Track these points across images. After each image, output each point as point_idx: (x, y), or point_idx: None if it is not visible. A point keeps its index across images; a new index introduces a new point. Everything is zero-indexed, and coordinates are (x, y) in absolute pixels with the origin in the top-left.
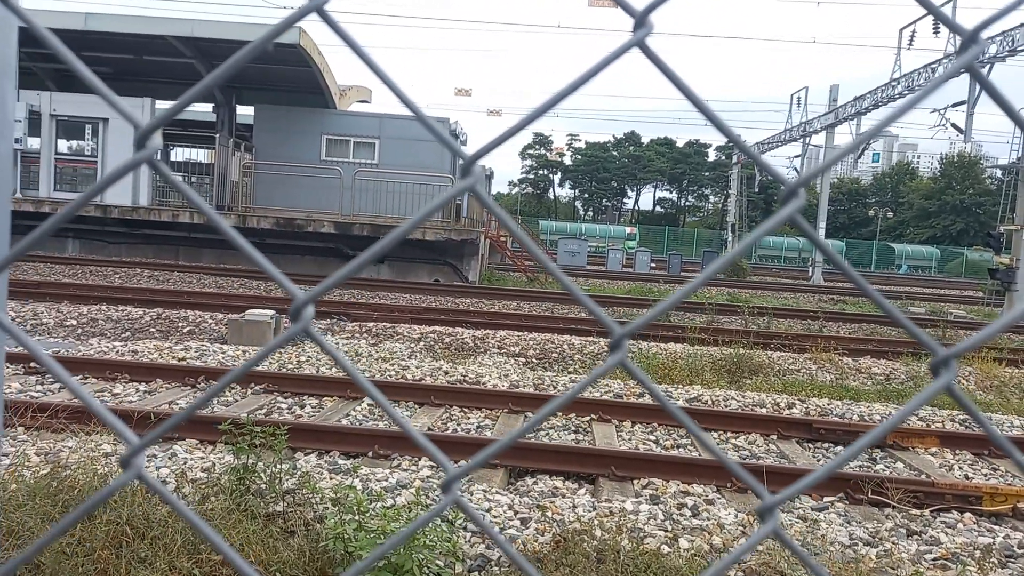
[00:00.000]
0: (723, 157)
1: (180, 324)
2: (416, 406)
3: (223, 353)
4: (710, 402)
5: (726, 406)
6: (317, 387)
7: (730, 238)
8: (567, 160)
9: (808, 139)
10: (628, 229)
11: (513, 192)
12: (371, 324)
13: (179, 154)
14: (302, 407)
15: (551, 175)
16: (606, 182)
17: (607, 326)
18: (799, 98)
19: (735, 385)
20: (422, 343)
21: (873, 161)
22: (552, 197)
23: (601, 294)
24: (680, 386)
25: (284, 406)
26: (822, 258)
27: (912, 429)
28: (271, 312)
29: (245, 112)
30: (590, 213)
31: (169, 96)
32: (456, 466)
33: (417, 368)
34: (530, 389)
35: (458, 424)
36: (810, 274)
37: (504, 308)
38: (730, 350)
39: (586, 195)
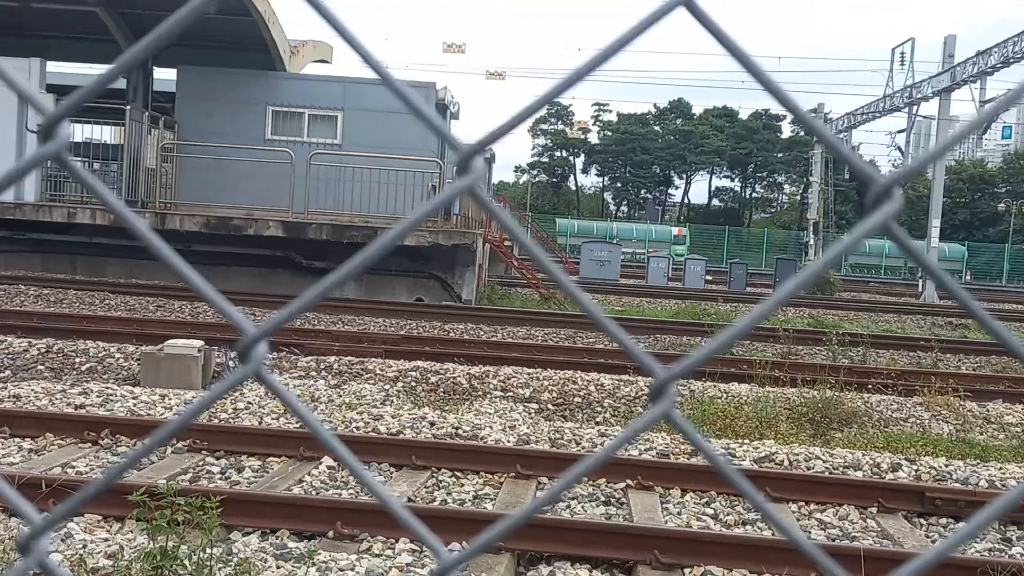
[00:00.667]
0: (802, 133)
1: (78, 360)
2: (392, 469)
3: (134, 398)
4: (786, 463)
5: (808, 468)
6: (260, 443)
7: (812, 241)
8: (593, 138)
9: (915, 108)
10: (675, 230)
11: (521, 181)
12: (332, 358)
13: (75, 132)
14: (240, 470)
15: (572, 158)
16: (645, 167)
17: (646, 367)
18: (903, 54)
19: (820, 440)
20: (400, 384)
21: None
22: (573, 187)
23: (639, 317)
24: (746, 441)
25: (216, 469)
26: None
27: None
28: (198, 343)
29: (165, 76)
30: (624, 208)
31: (64, 55)
32: (449, 551)
33: (393, 418)
34: (544, 445)
35: (448, 493)
36: (920, 289)
37: (510, 336)
38: (813, 393)
39: (618, 184)
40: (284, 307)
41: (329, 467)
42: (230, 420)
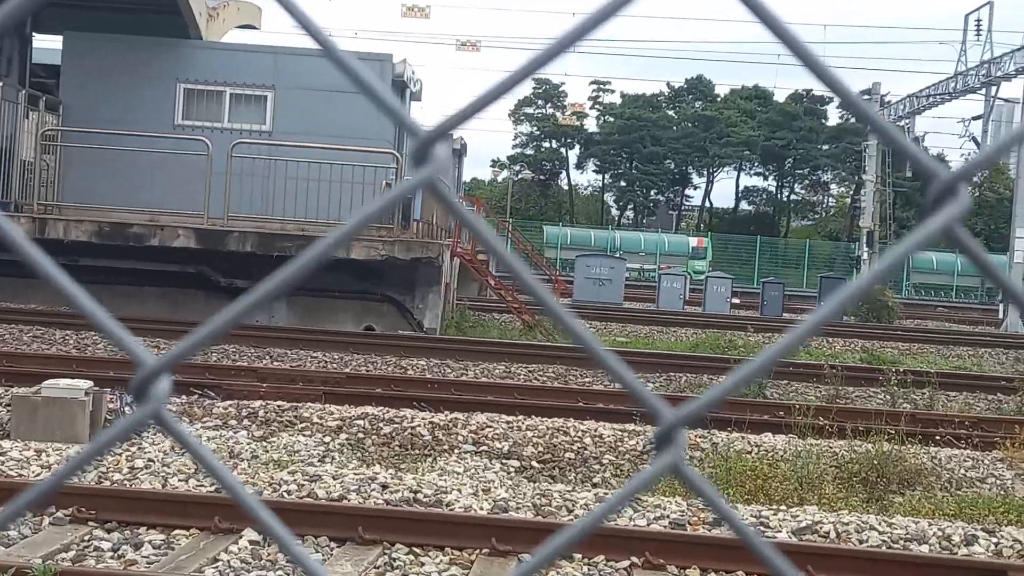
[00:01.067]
0: (853, 120)
1: None
2: (333, 544)
3: (3, 454)
4: (834, 535)
5: (861, 541)
6: (164, 512)
7: (865, 255)
8: (591, 125)
9: (994, 89)
10: (694, 241)
11: (500, 178)
12: (257, 403)
13: None
14: (138, 547)
15: (564, 150)
16: (656, 161)
17: (651, 408)
18: (978, 21)
19: (876, 505)
20: (344, 436)
21: None
22: (566, 187)
23: (648, 351)
24: (783, 508)
25: (107, 545)
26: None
27: None
28: (86, 384)
29: (47, 45)
30: (629, 213)
31: None
32: None
33: (335, 479)
34: (527, 514)
35: (404, 575)
36: (1001, 316)
37: (484, 375)
38: (867, 446)
39: (622, 183)
40: (190, 334)
41: (252, 542)
42: (126, 482)
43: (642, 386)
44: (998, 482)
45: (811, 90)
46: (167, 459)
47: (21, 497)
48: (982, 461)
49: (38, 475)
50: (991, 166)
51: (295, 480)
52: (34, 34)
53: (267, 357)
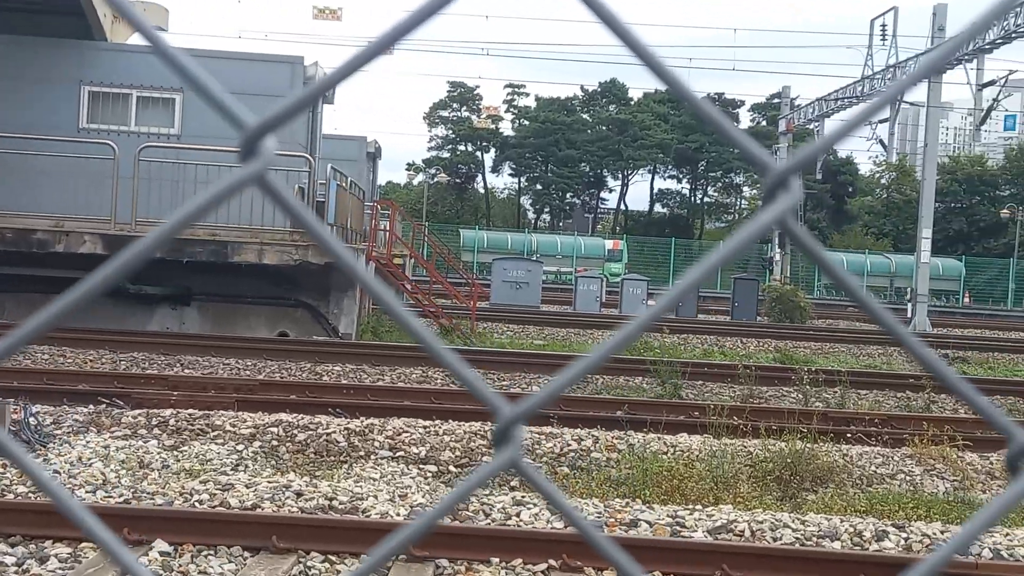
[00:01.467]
0: (763, 121)
1: None
2: (247, 553)
3: None
4: (748, 533)
5: (775, 539)
6: (71, 524)
7: (777, 256)
8: (506, 128)
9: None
10: (610, 243)
11: (416, 182)
12: (167, 412)
13: None
14: (43, 561)
15: (479, 153)
16: (571, 164)
17: (489, 404)
18: (883, 27)
19: (789, 503)
20: (257, 443)
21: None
22: (482, 190)
23: (566, 353)
24: (698, 507)
25: (10, 560)
26: (925, 286)
27: None
28: None
29: None
30: (545, 217)
31: None
32: None
33: (248, 488)
34: (445, 519)
35: None
36: (909, 314)
37: (401, 379)
38: (780, 445)
39: (538, 187)
40: (22, 325)
41: (163, 553)
42: (30, 495)
43: (482, 383)
44: (908, 478)
45: (723, 93)
46: (73, 470)
47: None
48: (892, 457)
49: None
50: (820, 158)
51: (207, 489)
52: None
53: (178, 364)
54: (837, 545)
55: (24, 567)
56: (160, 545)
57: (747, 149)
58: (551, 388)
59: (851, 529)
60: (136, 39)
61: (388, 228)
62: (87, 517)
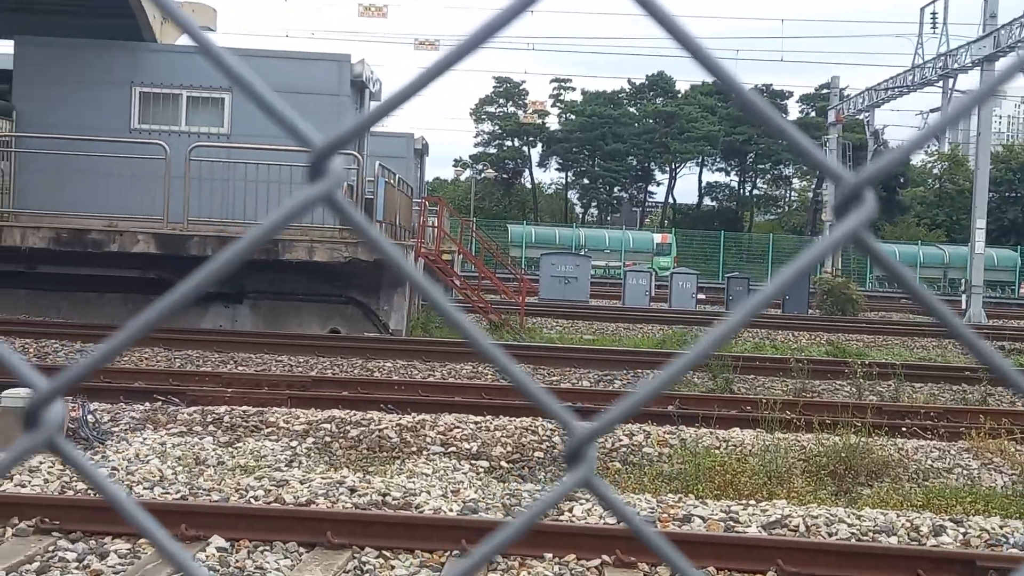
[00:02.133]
0: (812, 112)
1: None
2: (302, 549)
3: None
4: (803, 528)
5: (830, 534)
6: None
7: None
8: (553, 123)
9: (951, 81)
10: (658, 237)
11: (463, 177)
12: (222, 409)
13: None
14: (103, 557)
15: (526, 148)
16: (619, 158)
17: (561, 422)
18: (934, 15)
19: (844, 498)
20: (311, 439)
21: None
22: (529, 185)
23: (615, 347)
24: (752, 503)
25: (71, 556)
26: (980, 277)
27: None
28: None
29: None
30: (593, 211)
31: None
32: None
33: (303, 484)
34: (497, 514)
35: None
36: (964, 306)
37: (451, 375)
38: (834, 439)
39: (585, 181)
40: (87, 355)
41: (220, 549)
42: (90, 492)
43: (553, 400)
44: (964, 472)
45: (771, 84)
46: (131, 467)
47: None
48: (948, 451)
49: (0, 487)
50: (900, 169)
51: (262, 485)
52: None
53: (231, 362)
54: (894, 540)
55: (84, 563)
56: (217, 541)
57: (819, 160)
58: (625, 406)
59: (908, 524)
60: (185, 40)
61: (436, 224)
62: (141, 514)
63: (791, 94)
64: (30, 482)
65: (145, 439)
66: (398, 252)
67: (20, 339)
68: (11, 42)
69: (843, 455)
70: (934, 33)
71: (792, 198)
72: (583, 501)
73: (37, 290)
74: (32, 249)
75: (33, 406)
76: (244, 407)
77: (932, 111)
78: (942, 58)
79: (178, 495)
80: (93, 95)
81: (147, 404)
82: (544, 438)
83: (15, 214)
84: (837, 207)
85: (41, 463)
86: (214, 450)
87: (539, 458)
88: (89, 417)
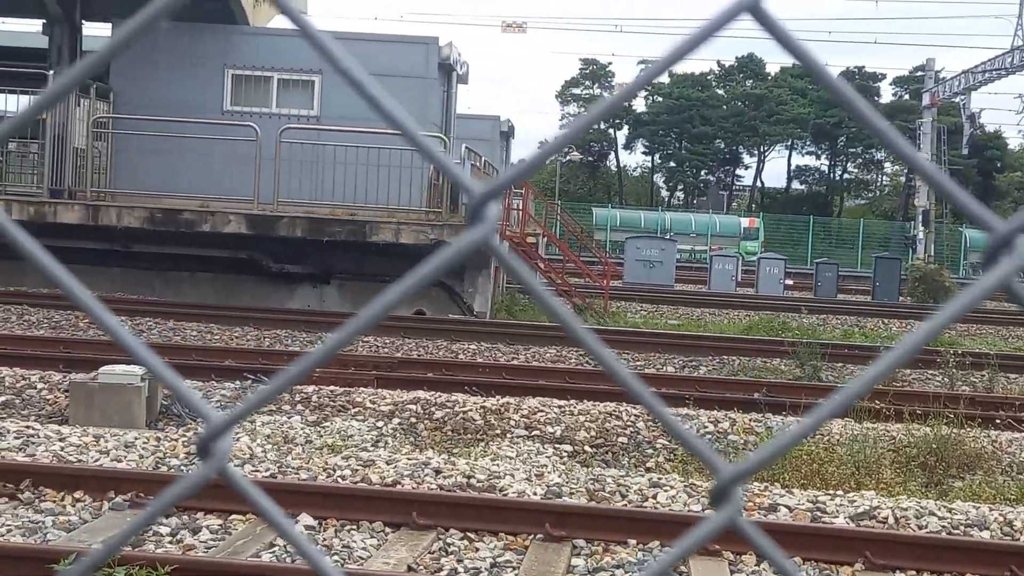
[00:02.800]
0: (905, 96)
1: None
2: (388, 529)
3: (62, 440)
4: (892, 520)
5: (920, 527)
6: (220, 498)
7: (920, 234)
8: (639, 105)
9: None
10: (746, 221)
11: (549, 160)
12: (310, 388)
13: None
14: (195, 532)
15: (612, 131)
16: (706, 141)
17: (707, 463)
18: None
19: (935, 490)
20: (396, 420)
21: None
22: (614, 168)
23: (701, 334)
24: (839, 493)
25: (165, 530)
26: None
27: None
28: (141, 369)
29: (96, 32)
30: (679, 195)
31: None
32: None
33: (388, 464)
34: (581, 499)
35: (459, 560)
36: None
37: (535, 359)
38: (925, 430)
39: (671, 164)
40: (262, 389)
41: (307, 527)
42: (182, 468)
43: (699, 440)
44: None
45: (863, 67)
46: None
47: (91, 557)
48: None
49: (97, 461)
50: (997, 154)
51: (349, 465)
52: (83, 22)
53: (319, 341)
54: (986, 535)
55: (178, 537)
56: (305, 519)
57: (966, 205)
58: (771, 449)
59: (1001, 519)
60: (277, 23)
61: (521, 207)
62: (261, 496)
63: (884, 76)
64: (125, 457)
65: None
66: (559, 303)
67: (116, 316)
68: (108, 25)
69: (934, 446)
70: None
71: (884, 182)
72: (667, 488)
73: (132, 268)
74: (127, 228)
75: (206, 438)
76: (331, 387)
77: None
78: None
79: (268, 473)
80: (187, 77)
81: (237, 382)
82: (628, 423)
83: (111, 194)
84: (987, 254)
85: (136, 439)
86: (302, 429)
87: (623, 443)
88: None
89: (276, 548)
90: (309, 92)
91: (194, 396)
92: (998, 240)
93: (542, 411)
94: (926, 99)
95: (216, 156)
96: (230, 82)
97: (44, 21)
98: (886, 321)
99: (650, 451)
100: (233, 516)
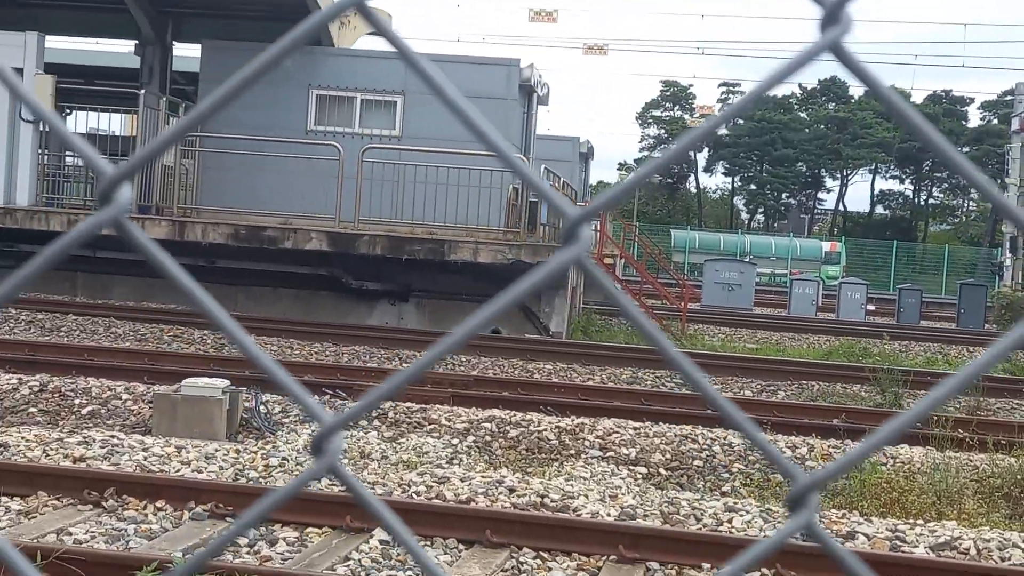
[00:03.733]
0: (994, 120)
1: (77, 401)
2: (462, 546)
3: (145, 450)
4: (974, 551)
5: (1003, 559)
6: (297, 510)
7: (1008, 261)
8: (720, 127)
9: None
10: (827, 245)
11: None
12: (387, 404)
13: (79, 121)
14: (273, 543)
15: (692, 152)
16: (787, 164)
17: (784, 471)
18: None
19: (1020, 522)
20: (471, 438)
21: None
22: (694, 190)
23: (780, 358)
24: (920, 522)
25: (243, 541)
26: None
27: None
28: (223, 383)
29: (186, 53)
30: (759, 217)
31: (69, 28)
32: None
33: (463, 481)
34: (655, 521)
35: None
36: None
37: (610, 380)
38: (1010, 460)
39: (752, 187)
40: (372, 390)
41: (383, 542)
42: (260, 479)
43: (776, 450)
44: None
45: (950, 91)
46: (300, 458)
47: (195, 556)
48: None
49: (178, 471)
50: None
51: (424, 481)
52: (174, 43)
53: (397, 359)
54: None
55: (256, 548)
56: (380, 534)
57: None
58: (848, 458)
59: None
60: (360, 43)
61: (599, 228)
62: (398, 524)
63: (972, 100)
64: (206, 468)
65: (313, 431)
66: (652, 324)
67: (199, 330)
68: (198, 46)
69: (1019, 477)
70: None
71: (970, 208)
72: (743, 513)
73: (215, 283)
74: (212, 244)
75: (320, 437)
76: (408, 404)
77: None
78: None
79: (343, 488)
80: (272, 97)
81: (315, 397)
82: (704, 447)
83: (197, 211)
84: None
85: (216, 451)
86: (378, 444)
87: (698, 467)
88: (261, 408)
89: (351, 561)
90: (391, 112)
91: (311, 401)
92: None
93: (617, 432)
94: (1015, 124)
95: (299, 174)
96: (314, 102)
97: (137, 42)
98: (971, 349)
99: (726, 475)
100: (309, 529)
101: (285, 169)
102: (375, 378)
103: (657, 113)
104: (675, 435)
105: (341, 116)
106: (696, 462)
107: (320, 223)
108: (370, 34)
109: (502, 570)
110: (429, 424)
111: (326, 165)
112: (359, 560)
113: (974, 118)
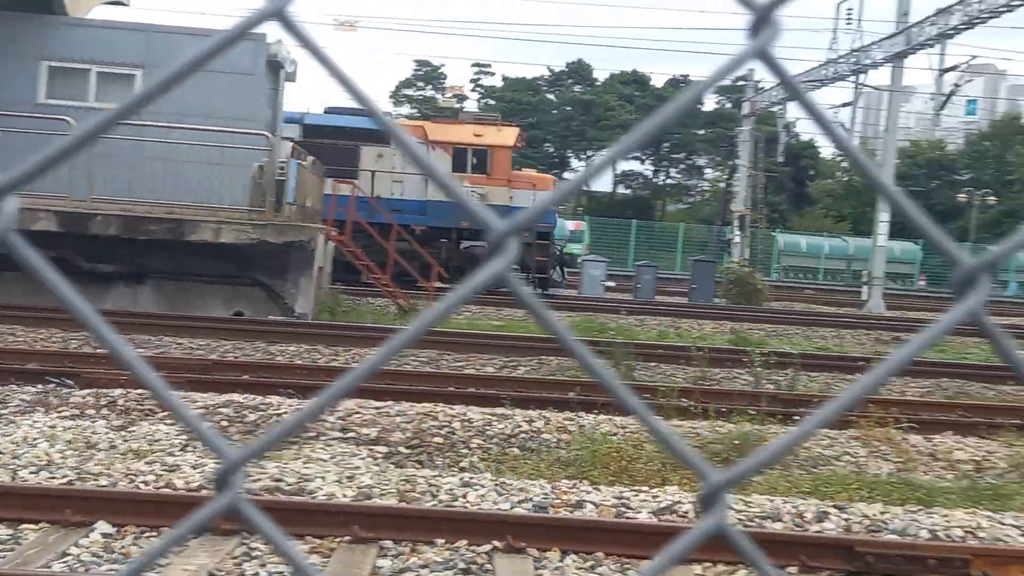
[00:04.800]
0: (727, 104)
1: None
2: (189, 535)
3: None
4: (692, 514)
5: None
6: (11, 505)
7: (737, 238)
8: (471, 107)
9: (862, 77)
10: (571, 224)
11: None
12: (117, 392)
13: None
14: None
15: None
16: (535, 145)
17: (696, 469)
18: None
19: (736, 485)
20: (206, 424)
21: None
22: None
23: (519, 335)
24: (644, 488)
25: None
26: (881, 269)
27: (1011, 549)
28: None
29: None
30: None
31: None
32: None
33: (195, 469)
34: (391, 500)
35: (262, 565)
36: (864, 297)
37: (354, 360)
38: (730, 426)
39: None
40: (268, 431)
41: (104, 535)
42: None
43: (687, 448)
44: (852, 460)
45: (687, 75)
46: (18, 451)
47: None
48: (838, 439)
49: None
50: (783, 143)
51: (152, 471)
52: None
53: (129, 343)
54: (779, 526)
55: None
56: (101, 527)
57: (938, 242)
58: (761, 458)
59: (793, 511)
60: (97, 13)
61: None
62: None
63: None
64: None
65: (35, 422)
66: (564, 328)
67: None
68: None
69: (737, 442)
70: (848, 29)
71: (704, 188)
72: (477, 488)
73: None
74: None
75: (223, 472)
76: (139, 390)
77: (844, 105)
78: (854, 54)
79: (65, 480)
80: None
81: (39, 387)
82: (444, 424)
83: None
84: (955, 289)
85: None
86: (106, 434)
87: (438, 444)
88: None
89: (69, 557)
90: (130, 87)
91: (210, 433)
92: (963, 276)
93: (358, 413)
94: (746, 108)
95: (28, 151)
96: (45, 75)
97: None
98: (700, 322)
99: (464, 451)
100: (24, 525)
101: (13, 146)
102: (103, 365)
103: (409, 92)
104: (416, 413)
105: (75, 89)
106: (436, 439)
107: (50, 202)
108: (107, 3)
109: (232, 557)
110: (162, 411)
111: (57, 140)
112: (78, 555)
113: (709, 102)
